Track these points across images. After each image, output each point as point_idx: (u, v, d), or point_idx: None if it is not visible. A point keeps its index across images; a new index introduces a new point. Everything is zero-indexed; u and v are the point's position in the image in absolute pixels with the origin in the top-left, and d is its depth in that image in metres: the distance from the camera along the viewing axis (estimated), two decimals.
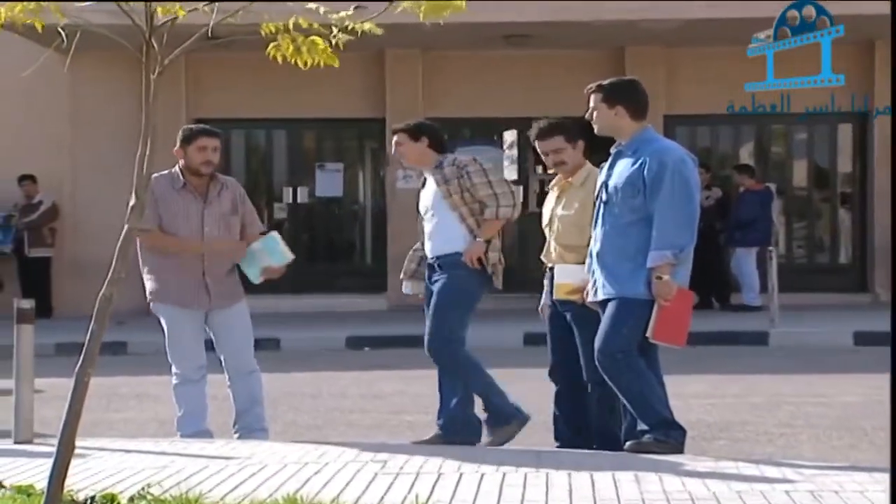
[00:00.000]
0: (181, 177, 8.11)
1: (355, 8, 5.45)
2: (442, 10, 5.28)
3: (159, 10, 5.23)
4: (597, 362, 6.95)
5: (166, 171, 8.19)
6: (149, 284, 8.15)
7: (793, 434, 8.81)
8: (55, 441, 5.43)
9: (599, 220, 7.03)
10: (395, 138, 8.10)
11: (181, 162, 8.14)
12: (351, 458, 6.91)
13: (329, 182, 19.23)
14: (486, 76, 18.71)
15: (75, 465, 5.89)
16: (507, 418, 7.79)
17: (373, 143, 19.36)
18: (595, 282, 7.02)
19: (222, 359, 8.17)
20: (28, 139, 18.83)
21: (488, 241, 7.85)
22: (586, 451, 7.23)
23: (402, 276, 8.19)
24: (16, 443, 7.76)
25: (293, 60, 5.49)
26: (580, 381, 7.37)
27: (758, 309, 16.68)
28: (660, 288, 6.79)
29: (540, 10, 16.44)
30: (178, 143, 8.15)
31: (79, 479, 6.32)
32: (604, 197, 7.02)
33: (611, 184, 6.99)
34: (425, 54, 18.61)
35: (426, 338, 7.83)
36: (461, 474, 6.36)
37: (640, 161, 6.88)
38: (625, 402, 6.97)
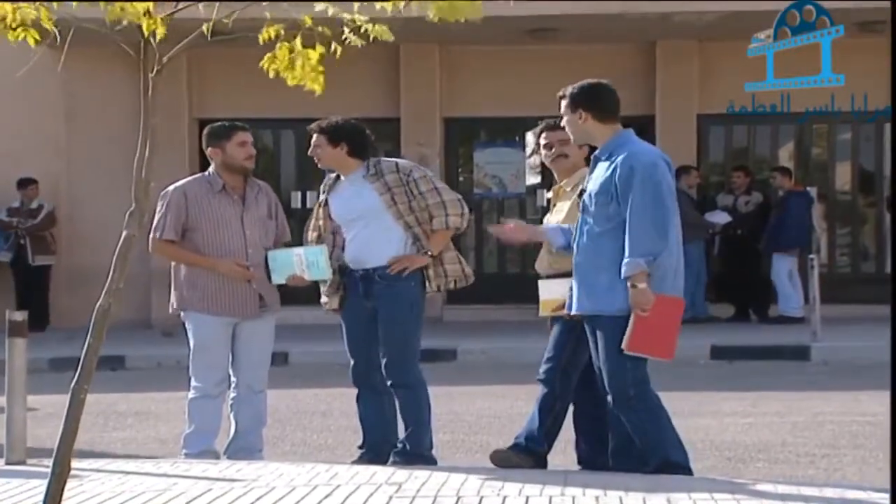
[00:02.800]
0: (219, 178, 8.19)
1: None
2: (456, 11, 5.28)
3: (144, 24, 5.24)
4: (610, 399, 6.95)
5: (199, 175, 8.32)
6: (182, 291, 8.16)
7: (836, 455, 8.78)
8: (49, 462, 5.45)
9: (578, 230, 7.06)
10: (312, 138, 8.01)
11: (215, 162, 8.21)
12: (364, 480, 6.92)
13: None
14: (509, 73, 18.69)
15: (71, 488, 5.91)
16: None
17: (387, 144, 19.32)
18: (572, 293, 7.02)
19: (236, 374, 8.20)
20: (21, 140, 18.86)
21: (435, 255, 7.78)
22: (615, 472, 7.23)
23: (328, 288, 7.99)
24: (7, 463, 7.78)
25: (284, 77, 5.53)
26: (597, 396, 7.42)
27: (799, 320, 16.67)
28: (635, 297, 6.73)
29: (566, 2, 16.42)
30: (208, 143, 8.23)
31: (75, 503, 6.34)
32: (582, 205, 7.05)
33: (588, 191, 7.03)
34: (443, 49, 18.62)
35: (390, 368, 7.76)
36: (481, 497, 6.36)
37: (613, 166, 6.90)
38: (634, 436, 6.98)
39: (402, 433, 7.78)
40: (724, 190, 18.71)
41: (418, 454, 7.67)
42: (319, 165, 8.12)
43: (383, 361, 7.79)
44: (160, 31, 5.26)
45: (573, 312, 7.04)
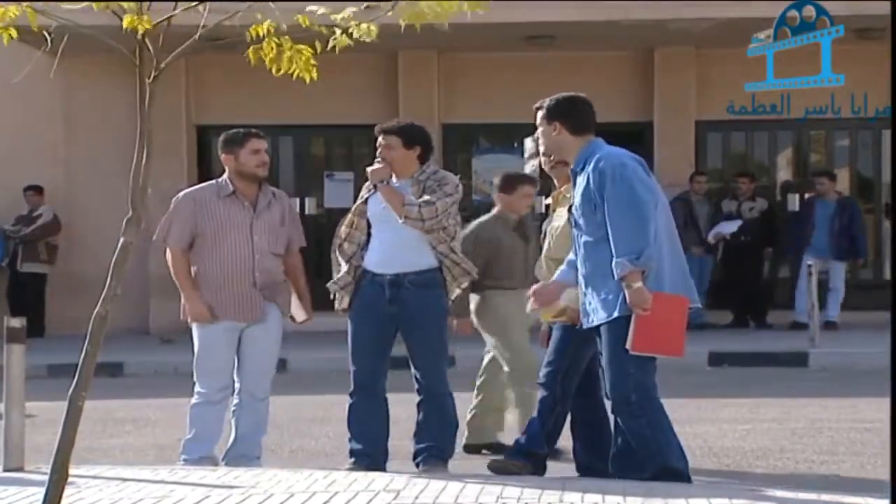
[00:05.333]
0: (230, 184, 8.21)
1: (366, 7, 5.47)
2: (420, 17, 5.29)
3: (128, 22, 5.22)
4: (611, 404, 6.95)
5: (212, 181, 8.39)
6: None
7: (835, 462, 8.78)
8: (47, 469, 5.44)
9: (575, 244, 7.09)
10: (382, 139, 7.99)
11: (229, 169, 8.25)
12: (362, 487, 6.91)
13: (338, 192, 19.20)
14: (507, 79, 18.68)
15: (68, 495, 5.90)
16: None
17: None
18: (586, 306, 7.02)
19: (240, 380, 8.22)
20: (19, 146, 18.86)
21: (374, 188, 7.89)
22: (613, 478, 7.22)
23: (341, 289, 8.00)
24: (5, 470, 7.77)
25: (271, 67, 5.54)
26: (595, 403, 7.40)
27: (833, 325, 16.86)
28: (631, 296, 6.75)
29: (564, 9, 16.43)
30: (222, 150, 8.28)
31: None
32: (573, 220, 7.08)
33: (574, 205, 7.08)
34: (441, 56, 18.62)
35: (426, 376, 7.88)
36: None
37: (587, 175, 6.98)
38: (631, 442, 6.97)
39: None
40: (727, 196, 18.67)
41: (444, 458, 7.85)
42: (375, 172, 7.93)
43: (418, 370, 7.91)
44: (145, 29, 5.24)
45: (587, 326, 7.02)
